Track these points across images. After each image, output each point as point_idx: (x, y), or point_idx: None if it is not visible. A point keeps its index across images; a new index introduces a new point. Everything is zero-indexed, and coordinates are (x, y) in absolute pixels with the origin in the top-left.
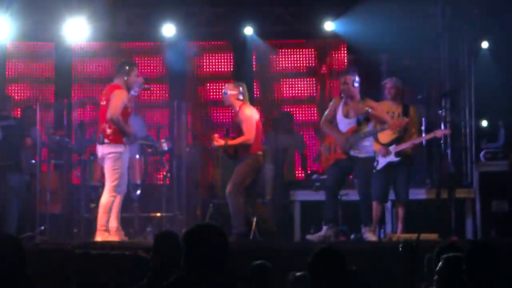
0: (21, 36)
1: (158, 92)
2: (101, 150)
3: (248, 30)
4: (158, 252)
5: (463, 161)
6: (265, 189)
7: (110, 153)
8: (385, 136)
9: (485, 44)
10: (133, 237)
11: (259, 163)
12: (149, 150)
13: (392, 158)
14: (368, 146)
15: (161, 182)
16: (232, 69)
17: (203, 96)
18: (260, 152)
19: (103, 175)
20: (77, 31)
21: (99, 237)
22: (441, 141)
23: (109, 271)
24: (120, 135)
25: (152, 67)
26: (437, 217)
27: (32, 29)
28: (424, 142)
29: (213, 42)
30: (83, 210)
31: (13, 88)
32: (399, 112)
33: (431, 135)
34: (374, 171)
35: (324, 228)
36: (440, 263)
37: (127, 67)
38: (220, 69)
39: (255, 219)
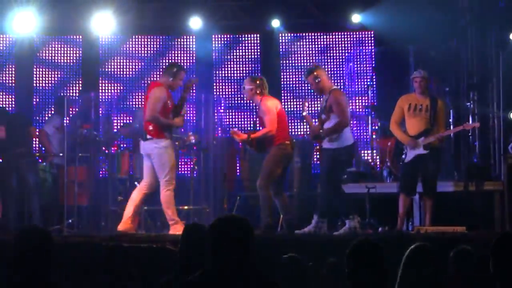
0: (48, 30)
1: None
2: (145, 146)
3: (275, 23)
4: (185, 245)
5: (491, 153)
6: (292, 181)
7: (154, 148)
8: (414, 128)
9: None
10: (161, 229)
11: (286, 152)
12: (177, 143)
13: (420, 150)
14: (330, 139)
15: (189, 175)
16: (259, 62)
17: (230, 89)
18: (287, 142)
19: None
20: (104, 24)
21: (172, 231)
22: (469, 134)
23: (137, 263)
24: (161, 130)
25: (179, 61)
26: (465, 210)
27: (59, 22)
28: (452, 135)
29: (240, 35)
30: (110, 203)
31: (40, 80)
32: (427, 105)
33: (460, 128)
34: (401, 163)
35: (347, 222)
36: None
37: (175, 69)
38: (246, 62)
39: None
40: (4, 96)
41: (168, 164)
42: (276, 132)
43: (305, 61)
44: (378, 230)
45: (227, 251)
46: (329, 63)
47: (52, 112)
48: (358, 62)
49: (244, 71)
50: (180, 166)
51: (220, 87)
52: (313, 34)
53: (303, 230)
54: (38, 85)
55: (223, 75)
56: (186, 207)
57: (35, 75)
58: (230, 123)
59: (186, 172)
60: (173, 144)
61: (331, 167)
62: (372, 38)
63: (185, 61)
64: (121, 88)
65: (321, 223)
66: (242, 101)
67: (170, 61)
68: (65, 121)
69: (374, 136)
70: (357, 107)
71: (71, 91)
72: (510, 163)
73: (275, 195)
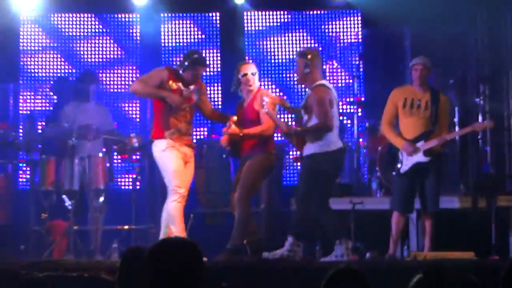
0: None
1: (127, 74)
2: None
3: None
4: (125, 274)
5: (506, 160)
6: (259, 196)
7: (154, 152)
8: (410, 129)
9: None
10: (94, 255)
11: (272, 164)
12: (116, 146)
13: (420, 157)
14: (309, 143)
15: (130, 187)
16: (219, 47)
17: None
18: (274, 151)
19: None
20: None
21: None
22: (479, 137)
23: None
24: (161, 128)
25: (119, 45)
26: (473, 231)
27: None
28: (457, 138)
29: (195, 13)
30: (32, 221)
31: None
32: (426, 101)
33: (468, 129)
34: (395, 173)
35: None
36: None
37: (191, 60)
38: (203, 47)
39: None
40: None
41: (171, 168)
42: (270, 135)
43: (275, 46)
44: (365, 256)
45: (169, 284)
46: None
47: None
48: (341, 48)
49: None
50: (119, 176)
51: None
52: (285, 12)
53: (274, 252)
54: None
55: (174, 62)
56: (126, 227)
57: None
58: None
59: (126, 183)
60: (183, 146)
61: (309, 178)
62: (359, 18)
63: (127, 45)
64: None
65: (296, 247)
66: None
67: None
68: None
69: (360, 139)
70: (340, 103)
71: None
72: None
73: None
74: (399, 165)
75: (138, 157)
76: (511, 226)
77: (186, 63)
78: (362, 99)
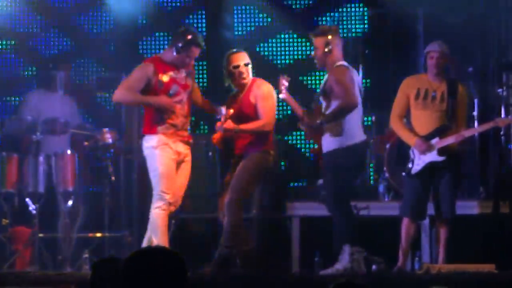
0: None
1: (97, 61)
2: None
3: None
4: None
5: None
6: (250, 200)
7: (144, 149)
8: (424, 124)
9: None
10: (62, 266)
11: (269, 165)
12: (86, 143)
13: (434, 156)
14: (328, 137)
15: (103, 189)
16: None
17: None
18: (272, 151)
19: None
20: None
21: None
22: (501, 133)
23: None
24: (152, 123)
25: (88, 27)
26: (494, 240)
27: None
28: (477, 135)
29: None
30: None
31: None
32: (442, 92)
33: (489, 125)
34: (405, 174)
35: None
36: None
37: (180, 45)
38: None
39: None
40: None
41: (158, 170)
42: (268, 132)
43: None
44: (372, 268)
45: None
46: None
47: None
48: (343, 31)
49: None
50: (90, 177)
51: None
52: None
53: (335, 268)
54: None
55: (153, 48)
56: (98, 235)
57: None
58: None
59: (99, 185)
60: (177, 143)
61: (333, 179)
62: None
63: (99, 27)
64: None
65: (357, 254)
66: None
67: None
68: None
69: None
70: None
71: None
72: None
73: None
74: (410, 165)
75: (112, 155)
76: None
77: (180, 45)
78: (367, 89)
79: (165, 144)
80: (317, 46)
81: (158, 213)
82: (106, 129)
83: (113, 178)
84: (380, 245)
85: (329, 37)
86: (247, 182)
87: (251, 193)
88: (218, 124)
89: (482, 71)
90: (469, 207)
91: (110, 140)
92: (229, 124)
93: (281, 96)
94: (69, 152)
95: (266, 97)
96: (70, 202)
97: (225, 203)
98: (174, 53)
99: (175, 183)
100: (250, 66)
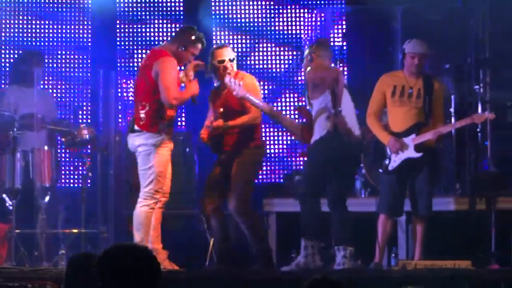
0: None
1: (75, 55)
2: (131, 141)
3: None
4: (71, 284)
5: (508, 157)
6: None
7: (140, 145)
8: (400, 121)
9: None
10: (39, 262)
11: (261, 160)
12: (63, 139)
13: (411, 153)
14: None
15: (80, 185)
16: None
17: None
18: (262, 146)
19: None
20: None
21: None
22: (478, 130)
23: None
24: (153, 120)
25: (65, 22)
26: (470, 237)
27: None
28: (454, 131)
29: None
30: None
31: None
32: (419, 89)
33: (466, 121)
34: (382, 170)
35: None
36: None
37: (191, 38)
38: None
39: (212, 239)
40: None
41: (155, 169)
42: (257, 125)
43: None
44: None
45: None
46: (280, 28)
47: None
48: (322, 27)
49: (160, 37)
50: (68, 173)
51: (127, 59)
52: None
53: (292, 264)
54: None
55: (131, 42)
56: (75, 231)
57: None
58: None
59: (75, 181)
60: (170, 141)
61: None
62: None
63: (76, 22)
64: None
65: (311, 250)
66: None
67: (184, 24)
68: None
69: None
70: None
71: None
72: None
73: (214, 210)
74: (386, 162)
75: (88, 151)
76: None
77: (188, 42)
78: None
79: (165, 143)
80: (305, 58)
81: (146, 211)
82: (83, 125)
83: (90, 173)
84: (357, 241)
85: (313, 47)
86: (246, 183)
87: (252, 191)
88: (207, 123)
89: (459, 68)
90: (445, 204)
91: (87, 136)
92: (219, 122)
93: (237, 94)
94: (46, 148)
95: (251, 90)
96: (47, 198)
97: (233, 210)
98: (180, 49)
99: (167, 181)
100: (235, 61)
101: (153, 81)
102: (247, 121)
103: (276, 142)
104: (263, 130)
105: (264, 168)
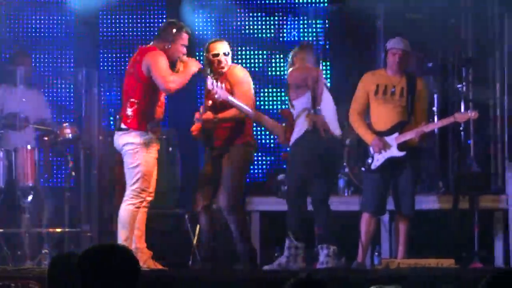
0: None
1: (57, 55)
2: (117, 139)
3: None
4: (55, 283)
5: (491, 156)
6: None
7: (126, 144)
8: (383, 120)
9: None
10: (22, 262)
11: (251, 157)
12: (46, 138)
13: (394, 152)
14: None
15: (63, 184)
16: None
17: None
18: (253, 142)
19: None
20: None
21: None
22: (461, 128)
23: None
24: (142, 118)
25: (45, 19)
26: (453, 236)
27: None
28: (436, 130)
29: None
30: None
31: None
32: (402, 87)
33: (448, 120)
34: (365, 169)
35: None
36: None
37: (174, 31)
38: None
39: (195, 238)
40: None
41: (142, 168)
42: (247, 120)
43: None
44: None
45: None
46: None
47: None
48: (304, 25)
49: (147, 35)
50: (50, 172)
51: (110, 57)
52: None
53: (275, 263)
54: None
55: (113, 38)
56: (58, 230)
57: None
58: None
59: (58, 180)
60: (157, 141)
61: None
62: None
63: (58, 19)
64: None
65: (294, 250)
66: None
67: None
68: None
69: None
70: None
71: None
72: None
73: (204, 208)
74: (369, 160)
75: (71, 150)
76: (496, 230)
77: (172, 34)
78: (328, 83)
79: (152, 143)
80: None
81: (131, 209)
82: (66, 124)
83: (73, 173)
84: (340, 240)
85: (295, 50)
86: (238, 180)
87: (243, 188)
88: (196, 114)
89: (442, 66)
90: (428, 202)
91: (70, 136)
92: (208, 114)
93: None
94: (29, 147)
95: (241, 82)
96: (30, 198)
97: (224, 207)
98: (168, 45)
99: (153, 180)
100: (229, 55)
101: (145, 77)
102: (237, 114)
103: (259, 140)
104: None
105: None
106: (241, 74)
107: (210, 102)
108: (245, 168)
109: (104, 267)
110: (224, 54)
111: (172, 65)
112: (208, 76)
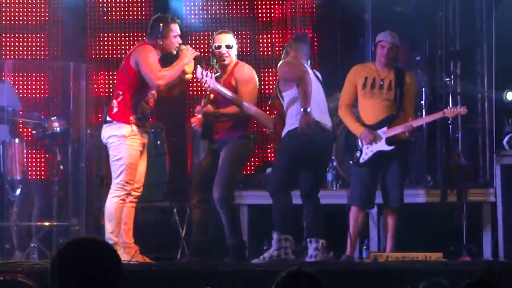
0: None
1: (43, 46)
2: (103, 132)
3: None
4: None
5: (479, 150)
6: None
7: (110, 136)
8: (371, 113)
9: None
10: (11, 255)
11: (250, 151)
12: (34, 132)
13: (382, 145)
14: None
15: (51, 178)
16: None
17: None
18: (252, 135)
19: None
20: None
21: None
22: (449, 122)
23: None
24: (127, 111)
25: (33, 11)
26: (442, 229)
27: None
28: (424, 124)
29: None
30: None
31: None
32: (390, 81)
33: (437, 115)
34: (353, 163)
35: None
36: None
37: (161, 25)
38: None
39: (183, 231)
40: None
41: (125, 160)
42: (249, 116)
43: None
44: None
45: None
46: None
47: None
48: (292, 19)
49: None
50: (38, 166)
51: (98, 49)
52: None
53: (263, 256)
54: None
55: (100, 28)
56: (47, 224)
57: None
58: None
59: (46, 174)
60: (143, 134)
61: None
62: None
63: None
64: None
65: (284, 243)
66: None
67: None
68: None
69: None
70: None
71: None
72: (506, 164)
73: (199, 201)
74: (358, 154)
75: (60, 143)
76: (484, 224)
77: (161, 28)
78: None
79: (135, 135)
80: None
81: (116, 202)
82: (54, 118)
83: (61, 166)
84: (328, 234)
85: (289, 41)
86: (232, 174)
87: (237, 180)
88: (197, 107)
89: (430, 60)
90: (416, 196)
91: (57, 129)
92: (209, 108)
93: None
94: (17, 140)
95: (247, 80)
96: (18, 191)
97: (217, 200)
98: (160, 41)
99: (138, 174)
100: (233, 48)
101: (132, 70)
102: (239, 112)
103: None
104: None
105: None
106: (248, 72)
107: (212, 95)
108: (243, 161)
109: (83, 262)
110: (227, 46)
111: (173, 57)
112: (198, 66)
